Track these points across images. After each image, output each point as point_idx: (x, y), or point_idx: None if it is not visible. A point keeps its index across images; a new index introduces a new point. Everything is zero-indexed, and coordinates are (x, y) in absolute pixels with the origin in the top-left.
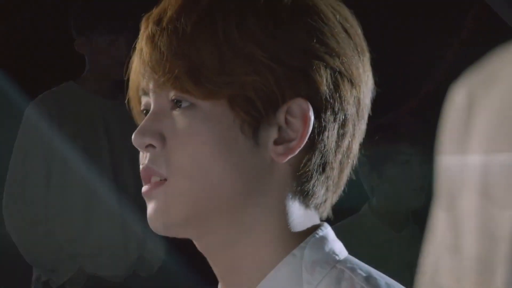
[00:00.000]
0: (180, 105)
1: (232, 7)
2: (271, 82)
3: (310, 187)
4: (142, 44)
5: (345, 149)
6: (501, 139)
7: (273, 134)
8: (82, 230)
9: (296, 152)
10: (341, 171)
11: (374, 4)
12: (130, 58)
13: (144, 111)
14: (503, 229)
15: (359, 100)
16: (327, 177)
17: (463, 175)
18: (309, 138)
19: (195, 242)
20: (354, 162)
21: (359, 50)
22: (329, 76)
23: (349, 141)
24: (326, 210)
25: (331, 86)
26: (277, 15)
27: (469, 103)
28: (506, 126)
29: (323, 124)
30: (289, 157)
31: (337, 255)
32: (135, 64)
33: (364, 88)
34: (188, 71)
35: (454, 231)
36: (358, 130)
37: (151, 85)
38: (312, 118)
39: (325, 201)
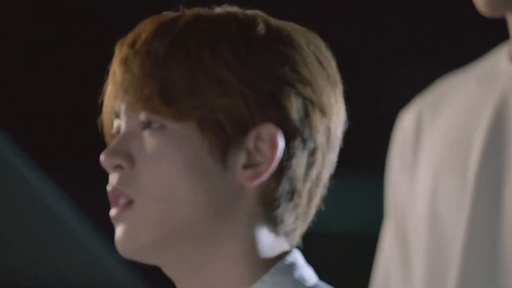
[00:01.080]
0: (151, 126)
1: (206, 33)
2: (241, 106)
3: (279, 214)
4: (115, 66)
5: (314, 179)
6: (448, 162)
7: (242, 158)
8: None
9: (264, 177)
10: (310, 200)
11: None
12: (104, 82)
13: (116, 134)
14: (451, 248)
15: (329, 130)
16: (296, 205)
17: (412, 196)
18: (277, 165)
19: (162, 267)
20: (324, 192)
21: (331, 81)
22: (300, 103)
23: (319, 171)
24: (296, 239)
25: (302, 114)
26: (250, 41)
27: (418, 126)
28: (452, 148)
29: (292, 151)
30: (257, 182)
31: (306, 281)
32: (108, 88)
33: (335, 119)
34: (159, 92)
35: (403, 250)
36: (328, 160)
37: (122, 107)
38: (281, 144)
39: (294, 229)
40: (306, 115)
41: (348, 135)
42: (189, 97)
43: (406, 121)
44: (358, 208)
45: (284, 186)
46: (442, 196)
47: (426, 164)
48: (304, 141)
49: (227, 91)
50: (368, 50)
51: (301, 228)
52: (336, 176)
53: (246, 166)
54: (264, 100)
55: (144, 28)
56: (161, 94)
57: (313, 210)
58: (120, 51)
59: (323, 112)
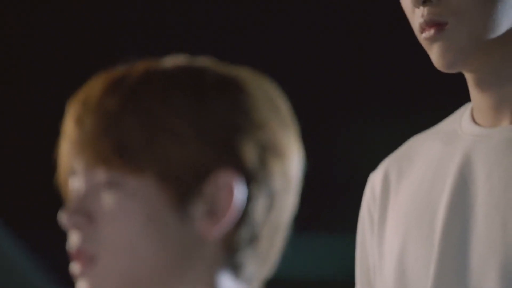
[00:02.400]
0: (109, 182)
1: (157, 85)
2: (197, 156)
3: (239, 260)
4: (69, 125)
5: (273, 223)
6: (416, 222)
7: (201, 207)
8: None
9: (224, 225)
10: (270, 244)
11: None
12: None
13: (73, 192)
14: None
15: (286, 172)
16: (256, 250)
17: (380, 256)
18: (236, 211)
19: None
20: (284, 236)
21: (284, 123)
22: (254, 148)
23: (278, 215)
24: (257, 284)
25: (257, 158)
26: (200, 91)
27: (386, 187)
28: (420, 209)
29: (250, 196)
30: (217, 230)
31: None
32: (63, 146)
33: (291, 161)
34: (115, 149)
35: None
36: (287, 204)
37: (79, 165)
38: (239, 190)
39: (255, 274)
40: (262, 159)
41: (317, 195)
42: (145, 151)
43: (374, 182)
44: (325, 258)
45: (244, 232)
46: (410, 256)
47: (394, 225)
48: (261, 186)
49: (182, 142)
50: (335, 114)
51: (263, 272)
52: (310, 231)
53: (205, 215)
54: (219, 148)
55: (95, 85)
56: (118, 150)
57: (274, 254)
58: (72, 109)
59: (278, 155)
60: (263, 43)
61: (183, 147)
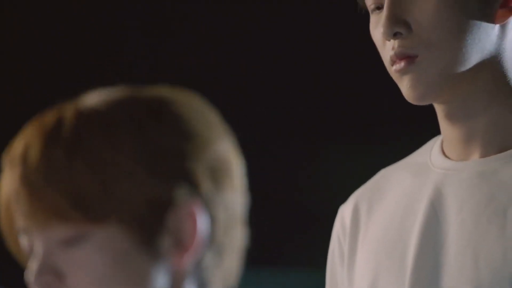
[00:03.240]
0: (70, 237)
1: (95, 128)
2: (153, 192)
3: (207, 279)
4: (11, 186)
5: (232, 237)
6: (387, 254)
7: (167, 241)
8: None
9: (192, 253)
10: (232, 259)
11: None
12: None
13: (30, 251)
14: None
15: (234, 186)
16: (221, 267)
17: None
18: (202, 236)
19: None
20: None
21: (222, 136)
22: (205, 170)
23: (235, 228)
24: None
25: (210, 180)
26: (139, 123)
27: (356, 219)
28: (391, 242)
29: (211, 219)
30: (187, 259)
31: None
32: (7, 206)
33: (236, 173)
34: (71, 203)
35: None
36: (239, 215)
37: (32, 224)
38: (200, 216)
39: None
40: (214, 180)
41: (286, 228)
42: (102, 199)
43: (344, 214)
44: None
45: (211, 253)
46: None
47: (365, 257)
48: (219, 205)
49: (136, 181)
50: (304, 145)
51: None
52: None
53: (173, 247)
54: (173, 178)
55: (31, 140)
56: (75, 204)
57: (237, 268)
58: (11, 169)
59: (226, 171)
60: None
61: (138, 186)
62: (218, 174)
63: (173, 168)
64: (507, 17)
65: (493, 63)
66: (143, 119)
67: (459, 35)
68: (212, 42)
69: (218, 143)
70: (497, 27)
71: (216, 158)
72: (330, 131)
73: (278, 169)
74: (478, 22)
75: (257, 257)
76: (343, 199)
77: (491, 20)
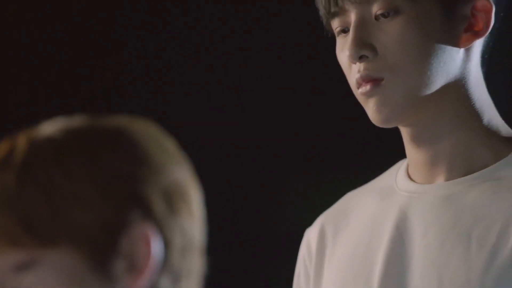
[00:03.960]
0: (22, 263)
1: (48, 154)
2: (106, 217)
3: None
4: None
5: (189, 261)
6: (353, 277)
7: (121, 265)
8: None
9: (146, 276)
10: (189, 283)
11: None
12: None
13: None
14: None
15: (191, 211)
16: None
17: None
18: (156, 260)
19: None
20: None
21: (178, 163)
22: (159, 194)
23: (191, 252)
24: None
25: (164, 204)
26: (92, 150)
27: (322, 242)
28: (357, 264)
29: (165, 242)
30: (141, 283)
31: None
32: None
33: (193, 199)
34: (23, 227)
35: None
36: (196, 239)
37: None
38: (154, 240)
39: None
40: (169, 203)
41: (251, 251)
42: (54, 224)
43: (310, 237)
44: None
45: (166, 277)
46: None
47: (330, 281)
48: (174, 229)
49: (88, 206)
50: (269, 168)
51: None
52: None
53: (127, 271)
54: (125, 203)
55: None
56: (26, 228)
57: None
58: None
59: (182, 195)
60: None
61: (90, 211)
62: (173, 199)
63: (126, 192)
64: (471, 41)
65: (458, 86)
66: (97, 146)
67: (424, 58)
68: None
69: (174, 169)
70: (461, 51)
71: (171, 183)
72: (295, 155)
73: (243, 194)
74: (443, 46)
75: (222, 281)
76: (309, 222)
77: (456, 44)
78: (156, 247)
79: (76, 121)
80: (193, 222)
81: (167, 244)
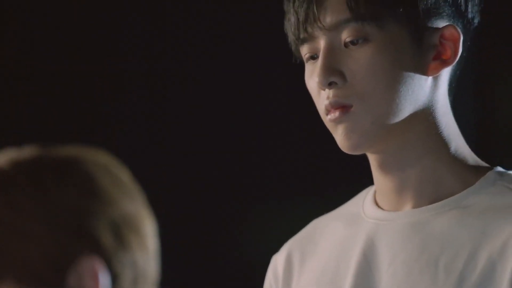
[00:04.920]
0: None
1: None
2: (53, 252)
3: None
4: None
5: None
6: None
7: None
8: None
9: None
10: None
11: None
12: None
13: None
14: None
15: (143, 244)
16: None
17: None
18: None
19: None
20: None
21: (131, 195)
22: (108, 227)
23: (143, 286)
24: None
25: (113, 237)
26: (42, 183)
27: (288, 269)
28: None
29: (114, 276)
30: None
31: None
32: None
33: (145, 232)
34: None
35: None
36: (149, 273)
37: None
38: (102, 274)
39: None
40: (118, 237)
41: (219, 276)
42: (0, 259)
43: (277, 263)
44: None
45: None
46: None
47: None
48: (123, 262)
49: (36, 241)
50: (237, 195)
51: None
52: None
53: None
54: (74, 237)
55: None
56: None
57: None
58: None
59: (133, 228)
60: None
61: (36, 246)
62: (123, 232)
63: (74, 226)
64: (439, 69)
65: (426, 114)
66: (46, 179)
67: (393, 86)
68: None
69: (126, 202)
70: (430, 79)
71: (121, 216)
72: (261, 181)
73: (208, 220)
74: (412, 74)
75: None
76: (275, 249)
77: (424, 72)
78: (104, 281)
79: (25, 152)
80: (145, 254)
81: (116, 278)
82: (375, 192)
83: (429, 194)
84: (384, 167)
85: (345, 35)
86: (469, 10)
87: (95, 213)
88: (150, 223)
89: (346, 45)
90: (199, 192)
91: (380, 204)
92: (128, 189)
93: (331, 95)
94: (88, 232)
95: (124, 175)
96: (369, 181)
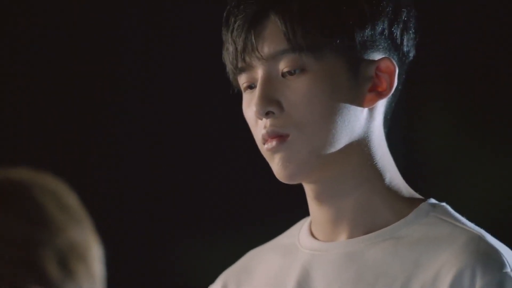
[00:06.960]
0: None
1: None
2: None
3: None
4: None
5: None
6: None
7: None
8: None
9: None
10: None
11: None
12: None
13: None
14: None
15: (90, 271)
16: None
17: None
18: None
19: None
20: None
21: (78, 221)
22: (54, 257)
23: None
24: None
25: (59, 266)
26: None
27: None
28: None
29: None
30: None
31: None
32: None
33: (92, 259)
34: None
35: None
36: None
37: None
38: None
39: None
40: (64, 266)
41: None
42: None
43: None
44: None
45: None
46: None
47: None
48: None
49: None
50: (163, 227)
51: None
52: None
53: None
54: (18, 267)
55: None
56: None
57: None
58: None
59: (79, 256)
60: None
61: None
62: (69, 261)
63: (19, 257)
64: (375, 101)
65: (362, 145)
66: None
67: (329, 116)
68: None
69: (73, 229)
70: (365, 110)
71: (68, 245)
72: (195, 211)
73: (145, 250)
74: (348, 105)
75: None
76: (211, 280)
77: (360, 103)
78: None
79: None
80: (92, 282)
81: None
82: (310, 222)
83: (363, 225)
84: (320, 197)
85: (283, 65)
86: (405, 43)
87: (42, 243)
88: (97, 249)
89: (283, 75)
90: (137, 221)
91: (315, 234)
92: (76, 215)
93: (268, 125)
94: (33, 263)
95: (72, 200)
96: (305, 212)
